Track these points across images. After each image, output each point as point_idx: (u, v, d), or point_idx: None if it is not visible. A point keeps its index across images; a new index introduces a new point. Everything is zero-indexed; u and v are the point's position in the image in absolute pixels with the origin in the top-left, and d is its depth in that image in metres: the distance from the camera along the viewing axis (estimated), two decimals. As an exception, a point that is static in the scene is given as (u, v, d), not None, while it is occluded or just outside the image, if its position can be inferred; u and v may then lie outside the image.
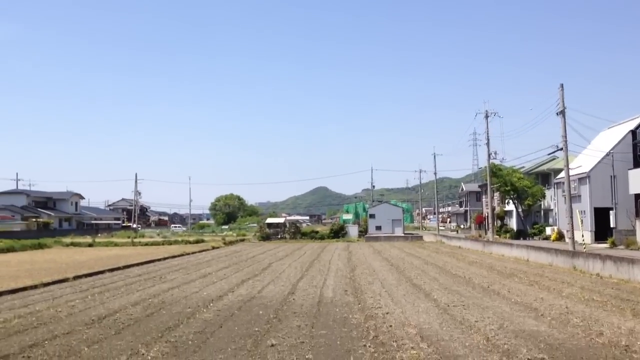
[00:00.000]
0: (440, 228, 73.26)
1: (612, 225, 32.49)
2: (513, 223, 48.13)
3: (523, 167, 48.99)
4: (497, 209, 49.16)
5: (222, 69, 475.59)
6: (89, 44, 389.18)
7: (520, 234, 43.16)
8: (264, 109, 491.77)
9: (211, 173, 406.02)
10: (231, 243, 54.42)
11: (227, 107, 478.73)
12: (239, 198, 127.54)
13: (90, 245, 48.34)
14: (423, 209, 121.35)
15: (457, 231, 68.11)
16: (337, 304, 14.18)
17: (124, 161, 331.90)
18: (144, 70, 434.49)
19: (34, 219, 67.88)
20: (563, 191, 34.05)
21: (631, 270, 18.68)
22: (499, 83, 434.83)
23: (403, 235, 60.66)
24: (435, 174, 72.58)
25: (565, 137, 28.63)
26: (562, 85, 28.84)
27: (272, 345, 9.35)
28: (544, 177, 46.66)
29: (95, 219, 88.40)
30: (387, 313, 12.55)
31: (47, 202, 78.57)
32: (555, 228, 39.05)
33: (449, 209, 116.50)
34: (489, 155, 43.11)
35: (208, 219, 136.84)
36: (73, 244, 48.80)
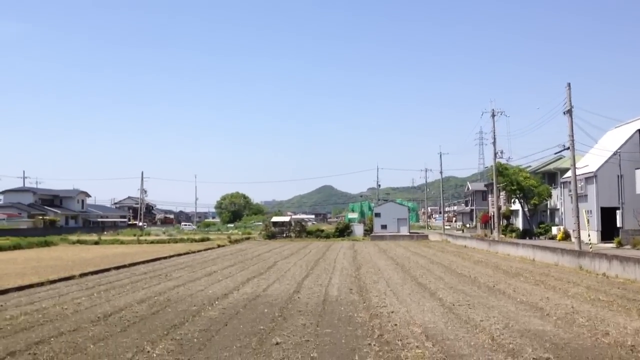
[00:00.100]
0: (445, 227, 73.04)
1: (618, 225, 32.29)
2: (519, 222, 47.95)
3: (529, 166, 48.78)
4: (503, 208, 48.97)
5: (227, 67, 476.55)
6: (95, 42, 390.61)
7: (526, 234, 42.97)
8: (270, 108, 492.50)
9: (217, 171, 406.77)
10: (236, 241, 54.55)
11: (232, 105, 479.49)
12: (245, 196, 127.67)
13: (96, 243, 48.60)
14: (429, 208, 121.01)
15: (463, 230, 67.92)
16: (342, 302, 14.19)
17: (130, 159, 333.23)
18: (150, 68, 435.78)
19: (40, 217, 68.26)
20: (569, 190, 33.91)
21: (638, 270, 18.60)
22: (506, 82, 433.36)
23: (408, 234, 60.58)
24: (441, 173, 72.51)
25: (572, 136, 28.47)
26: (569, 84, 28.69)
27: (277, 344, 9.37)
28: (551, 177, 46.44)
29: (102, 217, 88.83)
30: (392, 312, 12.55)
31: (53, 200, 78.97)
32: (562, 227, 38.87)
33: (455, 208, 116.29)
34: (495, 154, 42.97)
35: (214, 218, 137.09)
36: (79, 242, 49.02)
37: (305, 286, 17.79)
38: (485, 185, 65.09)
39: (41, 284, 18.43)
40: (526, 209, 44.23)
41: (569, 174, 32.93)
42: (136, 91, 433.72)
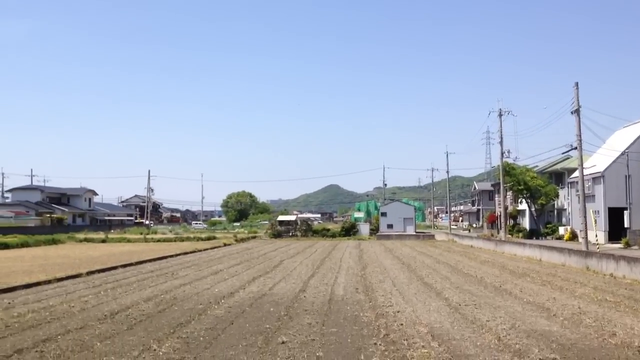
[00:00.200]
0: (452, 227, 72.93)
1: (626, 226, 32.13)
2: (526, 222, 47.77)
3: (536, 166, 48.58)
4: (510, 208, 48.81)
5: (233, 65, 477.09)
6: (102, 40, 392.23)
7: (532, 234, 42.81)
8: (272, 107, 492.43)
9: (223, 170, 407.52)
10: (243, 240, 54.65)
11: (238, 104, 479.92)
12: (251, 195, 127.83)
13: (103, 241, 48.83)
14: (435, 208, 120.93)
15: (469, 230, 67.75)
16: (348, 302, 14.19)
17: (137, 158, 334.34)
18: (157, 67, 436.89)
19: (48, 215, 68.59)
20: (577, 191, 33.73)
21: (645, 271, 18.48)
22: (512, 82, 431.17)
23: (415, 233, 60.48)
24: (447, 172, 72.29)
25: (580, 136, 28.34)
26: (576, 84, 28.55)
27: (283, 343, 9.38)
28: (558, 177, 46.23)
29: (109, 215, 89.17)
30: (398, 311, 12.53)
31: (61, 198, 79.34)
32: (569, 228, 38.69)
33: (461, 207, 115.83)
34: (502, 153, 42.82)
35: (220, 216, 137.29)
36: (86, 240, 49.29)
37: (311, 285, 17.80)
38: (492, 185, 64.90)
39: (48, 282, 18.54)
40: (533, 209, 44.05)
41: (576, 174, 32.78)
42: (143, 90, 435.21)
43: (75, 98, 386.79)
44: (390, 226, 61.60)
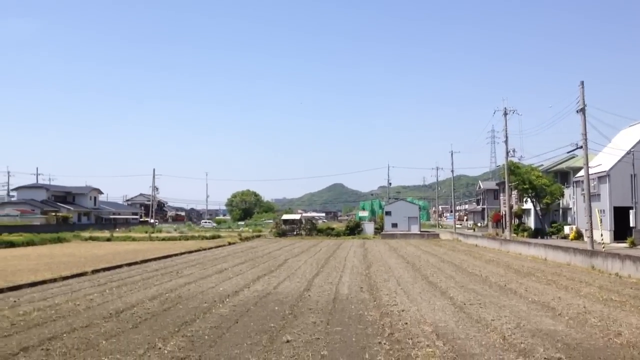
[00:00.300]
0: (457, 226, 72.78)
1: (632, 225, 31.99)
2: (531, 222, 47.64)
3: (542, 165, 48.46)
4: (515, 208, 48.68)
5: (237, 64, 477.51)
6: (106, 39, 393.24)
7: (538, 233, 42.68)
8: (279, 106, 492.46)
9: (228, 169, 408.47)
10: (247, 239, 54.72)
11: (243, 103, 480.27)
12: (255, 194, 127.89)
13: (108, 239, 48.98)
14: (440, 207, 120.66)
15: (474, 229, 67.60)
16: (352, 300, 14.19)
17: (142, 157, 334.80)
18: (162, 65, 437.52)
19: (53, 213, 68.88)
20: (582, 190, 33.59)
21: (651, 270, 18.39)
22: (518, 81, 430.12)
23: (419, 232, 60.43)
24: (452, 171, 72.04)
25: (585, 135, 28.22)
26: (582, 83, 28.43)
27: (288, 341, 9.39)
28: (563, 176, 46.08)
29: (114, 214, 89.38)
30: (402, 310, 12.53)
31: (66, 196, 79.59)
32: (574, 227, 38.56)
33: (466, 206, 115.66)
34: (507, 152, 42.75)
35: (224, 215, 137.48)
36: (92, 238, 49.47)
37: (316, 284, 17.81)
38: (497, 184, 64.72)
39: (54, 280, 18.62)
40: (538, 208, 43.93)
41: (581, 173, 32.66)
42: (148, 88, 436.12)
43: (80, 97, 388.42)
44: (394, 225, 61.56)
